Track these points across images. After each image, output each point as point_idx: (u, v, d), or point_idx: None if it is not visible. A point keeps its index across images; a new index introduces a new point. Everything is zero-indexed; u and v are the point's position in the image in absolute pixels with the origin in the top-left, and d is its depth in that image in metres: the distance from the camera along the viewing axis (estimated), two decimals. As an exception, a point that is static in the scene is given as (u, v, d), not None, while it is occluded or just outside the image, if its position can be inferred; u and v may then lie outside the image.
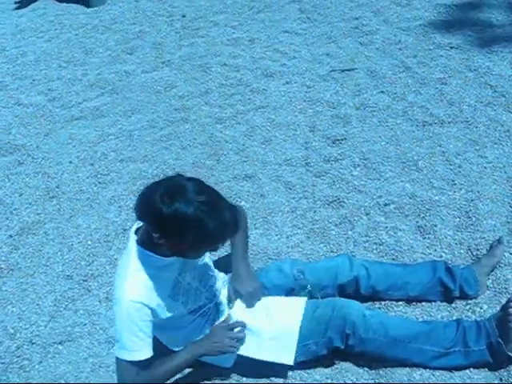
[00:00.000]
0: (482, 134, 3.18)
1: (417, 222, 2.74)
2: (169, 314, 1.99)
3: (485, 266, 2.39)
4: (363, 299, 2.31)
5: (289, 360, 2.09)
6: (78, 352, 2.43)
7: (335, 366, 2.19)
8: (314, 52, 4.19)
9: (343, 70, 3.90)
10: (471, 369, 2.09)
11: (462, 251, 2.55)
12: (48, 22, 5.46)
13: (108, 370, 2.33)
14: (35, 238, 3.04)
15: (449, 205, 2.79)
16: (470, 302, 2.33)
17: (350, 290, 2.32)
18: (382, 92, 3.64)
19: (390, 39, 4.16)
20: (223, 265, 2.33)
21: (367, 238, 2.70)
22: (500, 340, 2.04)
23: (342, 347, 2.10)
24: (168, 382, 2.08)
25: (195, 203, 1.71)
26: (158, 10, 5.28)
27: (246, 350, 2.10)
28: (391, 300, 2.37)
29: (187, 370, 2.24)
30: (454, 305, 2.33)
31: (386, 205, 2.86)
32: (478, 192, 2.83)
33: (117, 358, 1.95)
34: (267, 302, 2.18)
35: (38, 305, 2.67)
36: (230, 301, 2.19)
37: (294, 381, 2.17)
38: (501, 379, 2.05)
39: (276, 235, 2.80)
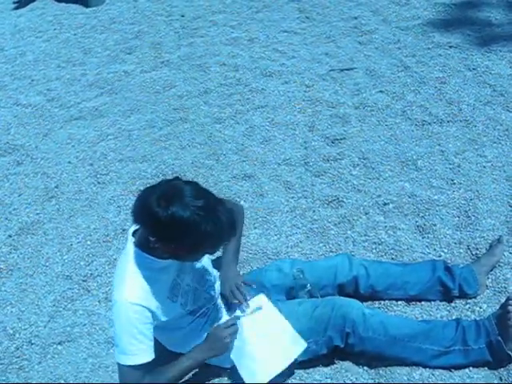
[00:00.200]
0: (481, 133, 3.18)
1: (416, 221, 2.74)
2: (168, 316, 1.99)
3: (484, 266, 2.39)
4: (363, 299, 2.31)
5: (248, 380, 2.08)
6: (77, 352, 2.43)
7: (335, 365, 2.19)
8: (312, 51, 4.19)
9: (342, 70, 3.90)
10: (471, 368, 2.09)
11: (461, 250, 2.56)
12: (47, 21, 5.46)
13: (107, 371, 2.33)
14: (34, 238, 3.03)
15: (448, 204, 2.80)
16: (469, 301, 2.33)
17: (350, 290, 2.32)
18: (381, 91, 3.64)
19: (388, 38, 4.16)
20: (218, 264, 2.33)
21: (366, 238, 2.70)
22: (500, 338, 2.04)
23: (342, 346, 2.10)
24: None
25: (192, 207, 1.70)
26: (156, 10, 5.28)
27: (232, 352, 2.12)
28: (391, 299, 2.37)
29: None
30: (453, 304, 2.33)
31: (385, 204, 2.86)
32: (478, 191, 2.83)
33: (118, 364, 1.93)
34: (273, 325, 2.14)
35: (37, 305, 2.67)
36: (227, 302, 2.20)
37: (293, 380, 2.17)
38: (500, 378, 2.05)
39: (275, 235, 2.80)
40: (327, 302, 2.14)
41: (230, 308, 2.21)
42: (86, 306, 2.63)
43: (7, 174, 3.51)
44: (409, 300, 2.36)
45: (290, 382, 2.17)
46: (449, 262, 2.45)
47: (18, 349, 2.48)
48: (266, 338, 2.11)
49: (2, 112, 4.13)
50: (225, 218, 1.77)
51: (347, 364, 2.19)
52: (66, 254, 2.90)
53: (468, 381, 2.06)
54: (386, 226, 2.74)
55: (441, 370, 2.10)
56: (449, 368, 2.10)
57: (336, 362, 2.20)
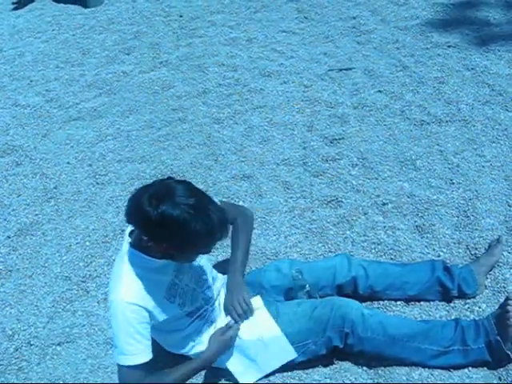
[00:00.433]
0: (479, 133, 3.19)
1: (415, 221, 2.74)
2: (165, 316, 1.99)
3: (483, 266, 2.39)
4: (362, 299, 2.31)
5: (242, 380, 2.13)
6: (76, 353, 2.43)
7: (334, 365, 2.19)
8: (311, 51, 4.19)
9: (341, 70, 3.90)
10: (470, 368, 2.10)
11: (460, 250, 2.56)
12: (45, 22, 5.45)
13: (107, 371, 2.32)
14: (33, 239, 3.03)
15: (447, 204, 2.80)
16: (468, 301, 2.34)
17: (349, 290, 2.32)
18: (379, 91, 3.64)
19: (387, 38, 4.16)
20: (222, 266, 2.33)
21: (365, 238, 2.70)
22: (499, 338, 2.04)
23: (341, 346, 2.10)
24: None
25: (182, 206, 1.70)
26: (155, 10, 5.27)
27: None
28: (390, 300, 2.37)
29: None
30: (452, 304, 2.33)
31: (384, 204, 2.86)
32: (476, 191, 2.83)
33: (117, 365, 1.94)
34: (264, 324, 2.16)
35: (36, 306, 2.66)
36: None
37: (292, 381, 2.17)
38: (500, 378, 2.06)
39: (274, 235, 2.80)
40: (326, 302, 2.14)
41: None
42: (85, 306, 2.62)
43: (6, 174, 3.50)
44: (408, 300, 2.36)
45: (289, 382, 2.17)
46: (448, 261, 2.45)
47: (17, 350, 2.48)
48: (258, 339, 2.13)
49: (0, 113, 4.13)
50: (216, 217, 1.77)
51: (346, 364, 2.19)
52: (64, 255, 2.90)
53: (467, 381, 2.06)
54: (385, 226, 2.74)
55: (440, 370, 2.10)
56: (448, 368, 2.10)
57: (335, 362, 2.20)
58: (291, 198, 3.00)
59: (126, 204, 1.81)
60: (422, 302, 2.35)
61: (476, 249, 2.54)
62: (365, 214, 2.83)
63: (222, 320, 2.17)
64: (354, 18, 4.51)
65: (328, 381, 2.15)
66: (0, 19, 5.73)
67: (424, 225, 2.70)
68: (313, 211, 2.89)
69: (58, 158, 3.58)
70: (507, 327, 2.03)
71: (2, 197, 3.34)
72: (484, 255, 2.45)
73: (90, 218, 3.09)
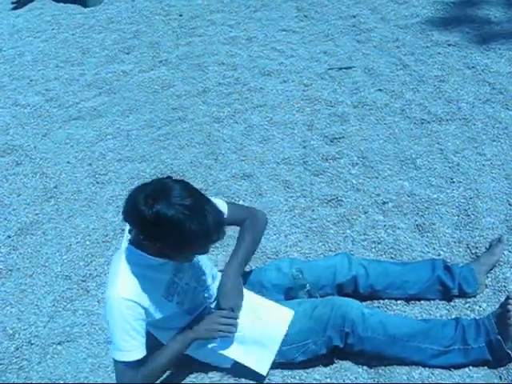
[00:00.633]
0: (480, 132, 3.18)
1: (415, 220, 2.74)
2: (162, 314, 1.98)
3: (484, 265, 2.39)
4: (362, 298, 2.31)
5: (263, 371, 2.11)
6: (76, 352, 2.43)
7: (334, 365, 2.19)
8: (311, 50, 4.19)
9: (341, 68, 3.90)
10: (470, 367, 2.09)
11: (460, 249, 2.55)
12: (45, 22, 5.45)
13: (107, 371, 2.32)
14: (34, 238, 3.03)
15: (447, 203, 2.80)
16: (468, 300, 2.33)
17: (349, 289, 2.32)
18: (379, 90, 3.64)
19: (387, 37, 4.16)
20: (222, 265, 2.32)
21: (366, 237, 2.70)
22: (499, 337, 2.04)
23: (342, 346, 2.10)
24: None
25: (177, 206, 1.69)
26: (154, 10, 5.27)
27: (227, 350, 2.11)
28: (390, 299, 2.37)
29: (187, 371, 2.25)
30: (452, 303, 2.33)
31: (384, 203, 2.86)
32: (477, 190, 2.83)
33: (114, 361, 1.95)
34: (255, 303, 2.16)
35: (36, 305, 2.66)
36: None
37: (293, 380, 2.17)
38: (500, 377, 2.05)
39: (274, 234, 2.80)
40: (327, 302, 2.14)
41: None
42: (86, 306, 2.62)
43: (6, 174, 3.50)
44: (408, 299, 2.36)
45: (289, 381, 2.17)
46: (448, 260, 2.45)
47: (17, 349, 2.48)
48: (256, 321, 2.13)
49: (0, 112, 4.12)
50: (212, 218, 1.75)
51: (347, 364, 2.18)
52: (65, 254, 2.90)
53: (468, 380, 2.06)
54: (385, 225, 2.73)
55: (440, 370, 2.10)
56: (448, 367, 2.10)
57: (335, 361, 2.19)
58: (291, 197, 2.99)
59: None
60: (422, 301, 2.35)
61: (476, 248, 2.54)
62: (365, 212, 2.82)
63: None
64: (354, 16, 4.50)
65: (328, 380, 2.15)
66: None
67: (424, 224, 2.70)
68: (313, 210, 2.89)
69: (57, 157, 3.58)
70: (508, 326, 2.03)
71: (2, 196, 3.34)
72: (485, 254, 2.45)
73: (90, 218, 3.09)
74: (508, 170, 2.91)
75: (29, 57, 4.83)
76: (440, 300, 2.34)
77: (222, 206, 2.12)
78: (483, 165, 2.98)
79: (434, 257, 2.52)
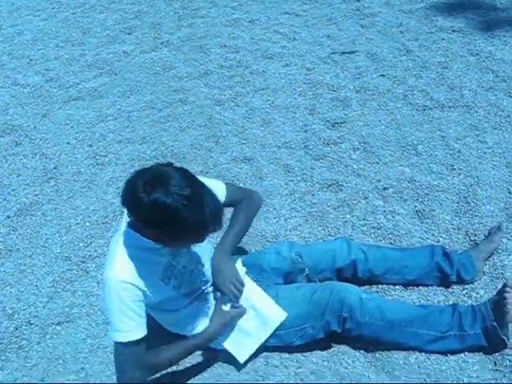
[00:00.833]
0: (482, 119, 3.17)
1: (415, 206, 2.74)
2: (160, 297, 1.99)
3: (482, 252, 2.40)
4: (361, 283, 2.32)
5: (242, 358, 2.14)
6: (76, 333, 2.44)
7: (332, 349, 2.20)
8: (314, 34, 4.16)
9: (344, 53, 3.88)
10: (466, 352, 2.11)
11: (459, 236, 2.56)
12: (45, 0, 5.40)
13: (106, 351, 2.34)
14: (33, 219, 3.03)
15: (447, 190, 2.80)
16: (466, 286, 2.34)
17: (348, 274, 2.33)
18: (382, 75, 3.62)
19: (391, 22, 4.13)
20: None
21: (365, 222, 2.70)
22: (495, 324, 2.05)
23: (339, 331, 2.11)
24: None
25: (175, 196, 1.68)
26: (156, -10, 5.22)
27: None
28: (388, 284, 2.38)
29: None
30: (450, 289, 2.34)
31: (384, 189, 2.86)
32: (477, 177, 2.83)
33: (114, 342, 1.95)
34: (254, 294, 2.17)
35: (36, 286, 2.67)
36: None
37: (290, 363, 2.19)
38: (495, 363, 2.07)
39: (274, 218, 2.80)
40: (325, 286, 2.15)
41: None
42: (85, 287, 2.63)
43: (5, 154, 3.49)
44: (406, 285, 2.37)
45: (287, 364, 2.19)
46: (447, 247, 2.45)
47: (17, 329, 2.49)
48: (250, 309, 2.14)
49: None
50: (209, 209, 1.75)
51: (344, 348, 2.20)
52: (64, 236, 2.90)
53: (463, 365, 2.08)
54: (385, 211, 2.74)
55: (436, 355, 2.12)
56: (444, 353, 2.12)
57: (333, 345, 2.21)
58: (292, 180, 2.99)
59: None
60: (420, 287, 2.36)
61: (475, 235, 2.54)
62: (365, 198, 2.83)
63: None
64: (358, 0, 4.47)
65: (326, 363, 2.17)
66: (-1, -4, 5.68)
67: (424, 210, 2.70)
68: (313, 195, 2.89)
69: (57, 138, 3.57)
70: (504, 313, 2.04)
71: (2, 177, 3.33)
72: (483, 242, 2.46)
73: (90, 199, 3.09)
74: (509, 158, 2.91)
75: (28, 36, 4.80)
76: (438, 286, 2.36)
77: (220, 187, 2.12)
78: (484, 152, 2.97)
79: (433, 243, 2.53)
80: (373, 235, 2.63)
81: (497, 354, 2.09)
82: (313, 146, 3.17)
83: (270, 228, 2.74)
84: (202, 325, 2.13)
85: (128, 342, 1.91)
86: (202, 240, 1.87)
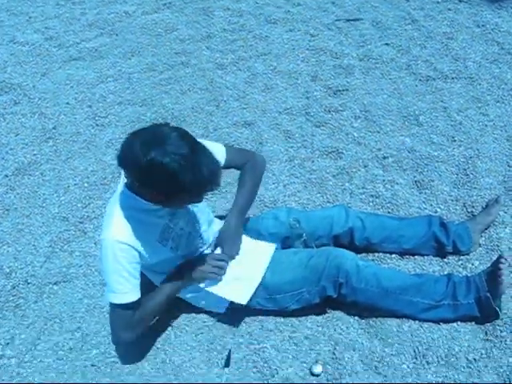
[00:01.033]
0: (485, 92, 3.15)
1: (414, 176, 2.74)
2: (156, 259, 2.00)
3: (479, 224, 2.41)
4: (357, 250, 2.33)
5: (243, 300, 2.11)
6: (72, 293, 2.46)
7: (327, 314, 2.23)
8: (319, 0, 4.09)
9: (348, 20, 3.83)
10: (458, 322, 2.15)
11: (457, 208, 2.57)
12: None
13: (102, 311, 2.36)
14: (31, 178, 3.02)
15: (447, 161, 2.79)
16: (462, 257, 2.36)
17: (345, 241, 2.34)
18: (386, 44, 3.58)
19: (397, -11, 4.06)
20: (219, 211, 2.33)
21: (364, 190, 2.70)
22: (489, 295, 2.08)
23: (335, 296, 2.13)
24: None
25: (172, 155, 1.67)
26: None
27: (210, 286, 2.13)
28: (385, 252, 2.40)
29: (184, 316, 2.29)
30: (446, 260, 2.36)
31: (384, 158, 2.85)
32: (478, 150, 2.82)
33: (109, 303, 1.97)
34: (243, 245, 2.19)
35: (33, 245, 2.68)
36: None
37: (285, 327, 2.22)
38: (486, 333, 2.11)
39: (273, 183, 2.80)
40: (322, 252, 2.16)
41: None
42: (83, 247, 2.64)
43: (4, 113, 3.46)
44: (403, 254, 2.39)
45: (282, 328, 2.21)
46: (444, 218, 2.46)
47: (14, 287, 2.50)
48: (242, 257, 2.17)
49: (-2, 49, 4.06)
50: (207, 169, 1.74)
51: (339, 314, 2.23)
52: (62, 196, 2.90)
53: (455, 334, 2.11)
54: (384, 180, 2.74)
55: (429, 323, 2.15)
56: (437, 321, 2.15)
57: (328, 311, 2.24)
58: (292, 147, 2.98)
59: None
60: (416, 256, 2.38)
61: (473, 207, 2.55)
62: (365, 166, 2.82)
63: None
64: (364, -33, 4.38)
65: (320, 329, 2.19)
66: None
67: (423, 180, 2.70)
68: (313, 161, 2.89)
69: (57, 97, 3.53)
70: (498, 284, 2.07)
71: (0, 136, 3.31)
72: (481, 214, 2.47)
73: (89, 160, 3.08)
74: (510, 132, 2.90)
75: (28, -8, 4.71)
76: (434, 256, 2.38)
77: (220, 150, 2.11)
78: (485, 125, 2.96)
79: (430, 213, 2.53)
80: (371, 204, 2.64)
81: (488, 324, 2.13)
82: (314, 113, 3.16)
83: (269, 193, 2.75)
84: (197, 286, 2.14)
85: (123, 304, 1.93)
86: (199, 200, 1.86)
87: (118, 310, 1.95)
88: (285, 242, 2.32)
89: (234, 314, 2.25)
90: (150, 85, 3.53)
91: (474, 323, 2.14)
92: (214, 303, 2.15)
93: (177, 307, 2.27)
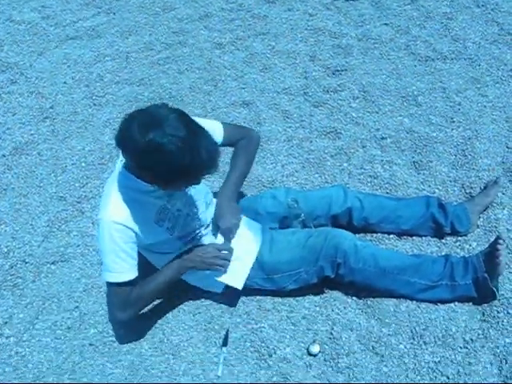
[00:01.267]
0: (484, 73, 3.13)
1: (412, 157, 2.73)
2: (153, 239, 2.00)
3: (478, 205, 2.41)
4: (355, 231, 2.34)
5: (239, 285, 2.12)
6: (70, 272, 2.47)
7: (324, 294, 2.24)
8: (317, -21, 4.05)
9: (347, 0, 3.79)
10: (456, 302, 2.16)
11: (455, 188, 2.57)
12: None
13: (100, 291, 2.37)
14: (28, 158, 3.01)
15: (446, 142, 2.79)
16: (459, 238, 2.37)
17: (343, 221, 2.34)
18: (385, 24, 3.55)
19: (397, -32, 4.02)
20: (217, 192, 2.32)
21: (362, 171, 2.70)
22: (486, 275, 2.08)
23: (332, 276, 2.14)
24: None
25: (171, 137, 1.65)
26: None
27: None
28: (383, 233, 2.40)
29: (181, 296, 2.31)
30: (444, 241, 2.37)
31: (382, 138, 2.84)
32: (476, 131, 2.81)
33: (106, 282, 1.98)
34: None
35: (31, 225, 2.68)
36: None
37: (283, 307, 2.23)
38: (483, 314, 2.12)
39: (271, 163, 2.80)
40: (320, 232, 2.16)
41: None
42: (80, 227, 2.64)
43: (0, 92, 3.43)
44: (401, 234, 2.39)
45: (279, 308, 2.22)
46: (442, 199, 2.46)
47: (12, 267, 2.51)
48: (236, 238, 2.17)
49: (-6, 28, 4.01)
50: (205, 152, 1.72)
51: (336, 294, 2.24)
52: (60, 176, 2.89)
53: (452, 315, 2.12)
54: (382, 160, 2.73)
55: (426, 304, 2.17)
56: (434, 302, 2.16)
57: (325, 291, 2.25)
58: (290, 127, 2.97)
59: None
60: (414, 237, 2.39)
61: (471, 188, 2.55)
62: (363, 147, 2.82)
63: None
64: None
65: (317, 309, 2.20)
66: None
67: (421, 161, 2.70)
68: (311, 141, 2.88)
69: (54, 77, 3.51)
70: (495, 265, 2.07)
71: (-3, 115, 3.30)
72: (479, 195, 2.46)
73: (87, 140, 3.06)
74: (509, 113, 2.89)
75: (24, -30, 4.64)
76: (432, 237, 2.38)
77: (217, 128, 2.10)
78: (484, 106, 2.95)
79: (428, 194, 2.53)
80: (369, 184, 2.64)
81: (485, 304, 2.14)
82: (312, 93, 3.14)
83: (267, 173, 2.74)
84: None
85: (119, 283, 1.93)
86: (198, 182, 1.86)
87: (114, 289, 1.96)
88: (283, 222, 2.32)
89: (231, 294, 2.26)
90: (148, 64, 3.50)
91: (471, 304, 2.15)
92: (212, 283, 2.16)
93: (174, 287, 2.27)
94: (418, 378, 1.99)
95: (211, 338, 2.19)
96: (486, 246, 2.19)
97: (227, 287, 2.18)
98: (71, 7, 4.10)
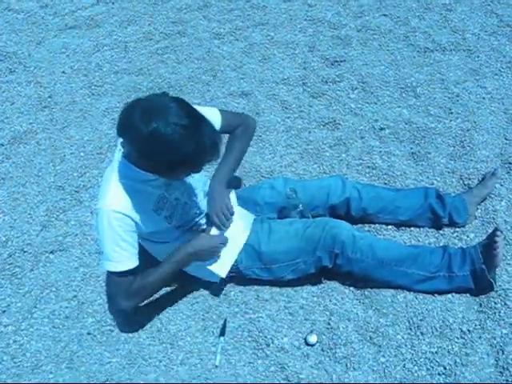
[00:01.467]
0: (483, 64, 3.13)
1: (411, 148, 2.73)
2: (151, 228, 2.00)
3: (476, 196, 2.42)
4: (353, 221, 2.34)
5: (222, 273, 2.12)
6: (68, 261, 2.47)
7: (322, 285, 2.25)
8: (317, -31, 4.03)
9: (346, -10, 3.78)
10: (453, 293, 2.16)
11: (453, 180, 2.57)
12: None
13: (98, 280, 2.38)
14: (27, 147, 3.01)
15: (444, 133, 2.79)
16: (457, 230, 2.38)
17: (341, 212, 2.34)
18: (384, 15, 3.54)
19: (397, -41, 4.00)
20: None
21: (361, 162, 2.70)
22: (484, 267, 2.09)
23: (330, 266, 2.14)
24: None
25: (173, 125, 1.66)
26: None
27: None
28: (381, 223, 2.40)
29: (179, 286, 2.31)
30: (441, 232, 2.37)
31: (381, 129, 2.84)
32: (475, 122, 2.82)
33: (107, 272, 1.98)
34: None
35: (29, 214, 2.68)
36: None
37: (281, 297, 2.23)
38: (480, 305, 2.13)
39: (270, 154, 2.80)
40: (318, 222, 2.17)
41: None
42: (78, 216, 2.64)
43: (-1, 81, 3.44)
44: (399, 225, 2.40)
45: (277, 298, 2.23)
46: (441, 190, 2.47)
47: (10, 256, 2.51)
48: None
49: (-8, 17, 4.00)
50: (208, 139, 1.73)
51: (334, 284, 2.24)
52: (58, 165, 2.89)
53: (449, 306, 2.12)
54: (380, 151, 2.74)
55: (424, 295, 2.17)
56: (432, 293, 2.17)
57: (323, 281, 2.25)
58: (289, 117, 2.97)
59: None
60: (412, 228, 2.39)
61: (469, 179, 2.55)
62: (361, 137, 2.82)
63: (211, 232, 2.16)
64: None
65: (315, 299, 2.21)
66: None
67: (420, 152, 2.70)
68: (309, 132, 2.88)
69: (53, 66, 3.50)
70: (493, 257, 2.08)
71: (-5, 104, 3.29)
72: (477, 186, 2.47)
73: (85, 129, 3.06)
74: (507, 105, 2.89)
75: (22, -42, 4.62)
76: (430, 228, 2.39)
77: (215, 115, 2.10)
78: (483, 98, 2.95)
79: (426, 185, 2.54)
80: (367, 175, 2.64)
81: (483, 296, 2.15)
82: (311, 84, 3.13)
83: (266, 164, 2.74)
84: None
85: (119, 272, 1.93)
86: (198, 170, 1.86)
87: (114, 278, 1.96)
88: (281, 212, 2.33)
89: (229, 284, 2.26)
90: (147, 54, 3.49)
91: (468, 295, 2.16)
92: (209, 273, 2.16)
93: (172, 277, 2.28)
94: (415, 368, 2.00)
95: (209, 327, 2.19)
96: (484, 237, 2.20)
97: (225, 277, 2.19)
98: (70, -4, 4.08)
